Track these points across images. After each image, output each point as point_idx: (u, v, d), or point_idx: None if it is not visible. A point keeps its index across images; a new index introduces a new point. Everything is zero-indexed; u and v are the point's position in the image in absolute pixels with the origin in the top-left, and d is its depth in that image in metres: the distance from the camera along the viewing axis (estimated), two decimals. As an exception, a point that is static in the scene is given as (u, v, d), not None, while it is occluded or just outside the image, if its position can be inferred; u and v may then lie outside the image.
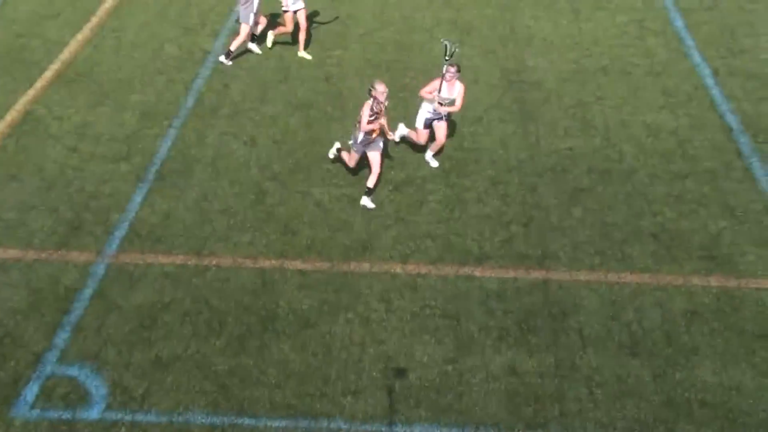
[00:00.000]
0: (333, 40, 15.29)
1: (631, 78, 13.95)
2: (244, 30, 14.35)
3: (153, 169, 11.91)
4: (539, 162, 12.09)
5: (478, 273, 10.11)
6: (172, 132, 12.74)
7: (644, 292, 9.76)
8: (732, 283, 9.83)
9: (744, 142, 12.30)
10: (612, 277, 9.99)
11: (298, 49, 14.77)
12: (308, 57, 14.69)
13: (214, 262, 10.26)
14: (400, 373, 8.84)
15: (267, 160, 12.18)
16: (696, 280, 9.91)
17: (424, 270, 10.18)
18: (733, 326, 9.26)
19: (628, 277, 9.96)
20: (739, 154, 12.06)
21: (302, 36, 14.58)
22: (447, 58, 11.42)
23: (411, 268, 10.22)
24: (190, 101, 13.48)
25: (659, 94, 13.48)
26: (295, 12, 14.29)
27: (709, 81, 13.77)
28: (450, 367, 8.89)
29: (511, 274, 10.09)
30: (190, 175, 11.82)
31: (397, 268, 10.20)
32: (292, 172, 11.94)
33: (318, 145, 12.51)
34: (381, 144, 11.23)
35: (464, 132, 12.79)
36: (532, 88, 13.79)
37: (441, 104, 11.57)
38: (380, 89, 10.87)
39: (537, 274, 10.06)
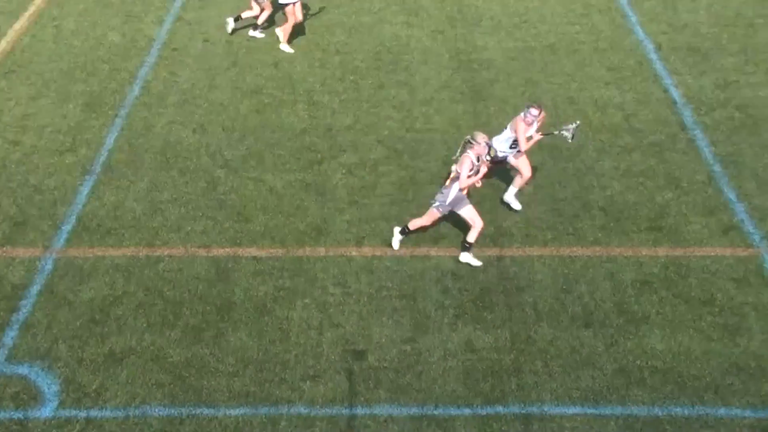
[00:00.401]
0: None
1: (578, 55, 14.12)
2: (265, 6, 14.22)
3: (100, 161, 11.71)
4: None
5: (433, 253, 10.18)
6: (119, 122, 12.53)
7: (595, 264, 9.94)
8: (678, 252, 10.07)
9: (687, 114, 12.57)
10: (564, 251, 10.15)
11: (248, 31, 14.57)
12: (291, 50, 14.31)
13: (166, 253, 10.14)
14: (359, 355, 8.88)
15: (217, 147, 12.06)
16: (644, 251, 10.11)
17: (379, 252, 10.21)
18: (680, 294, 9.49)
19: (580, 251, 10.13)
20: (683, 126, 12.32)
21: (289, 27, 14.23)
22: (565, 133, 10.57)
23: (366, 250, 10.24)
24: (136, 90, 13.25)
25: (605, 70, 13.67)
26: (293, 4, 13.92)
27: (653, 56, 14.01)
28: (408, 347, 8.95)
29: (465, 252, 10.17)
30: (139, 165, 11.64)
31: (353, 252, 10.21)
32: (243, 158, 11.84)
33: (269, 131, 12.42)
34: (467, 198, 10.01)
35: (416, 113, 12.82)
36: (482, 68, 13.87)
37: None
38: (482, 142, 9.61)
39: (491, 252, 10.17)
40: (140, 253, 10.12)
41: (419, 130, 12.46)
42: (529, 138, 10.44)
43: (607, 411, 8.20)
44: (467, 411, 8.26)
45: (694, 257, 9.97)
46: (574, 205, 10.90)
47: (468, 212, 9.89)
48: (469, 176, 9.66)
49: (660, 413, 8.16)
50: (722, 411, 8.16)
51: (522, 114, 10.38)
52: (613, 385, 8.46)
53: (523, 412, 8.22)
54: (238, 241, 10.35)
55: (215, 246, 10.27)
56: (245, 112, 12.87)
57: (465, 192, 9.91)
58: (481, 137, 9.65)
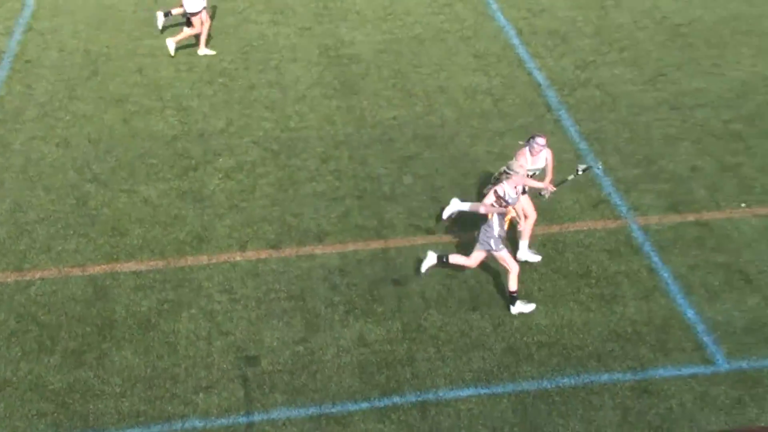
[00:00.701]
0: (141, 29, 14.65)
1: (444, 44, 14.40)
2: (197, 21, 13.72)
3: (-45, 184, 10.96)
4: (366, 134, 12.25)
5: (318, 251, 10.14)
6: (-27, 142, 11.75)
7: (477, 248, 10.18)
8: (554, 229, 10.46)
9: (551, 96, 13.07)
10: (446, 237, 10.33)
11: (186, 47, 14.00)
12: (212, 52, 14.01)
13: (37, 276, 9.61)
14: (252, 361, 8.73)
15: (84, 161, 11.53)
16: (523, 231, 10.44)
17: (264, 255, 10.07)
18: (559, 269, 9.86)
19: (462, 236, 10.34)
20: (549, 108, 12.80)
21: (204, 33, 13.88)
22: (578, 173, 9.80)
23: (251, 254, 10.08)
24: (-11, 107, 12.48)
25: (471, 58, 14.01)
26: (203, 10, 13.57)
27: (515, 41, 14.47)
28: (301, 348, 8.88)
29: (350, 247, 10.19)
30: (-1, 186, 10.98)
31: (237, 257, 10.03)
32: (113, 170, 11.38)
33: (138, 140, 11.99)
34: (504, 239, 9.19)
35: (289, 112, 12.72)
36: (351, 62, 13.91)
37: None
38: (520, 171, 8.80)
39: (376, 245, 10.23)
40: (8, 279, 9.54)
41: (294, 128, 12.37)
42: (533, 175, 9.61)
43: (499, 389, 8.43)
44: (365, 405, 8.29)
45: (569, 233, 10.39)
46: (453, 191, 11.11)
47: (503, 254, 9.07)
48: (494, 205, 8.76)
49: (549, 386, 8.46)
50: (605, 377, 8.55)
51: (526, 147, 9.51)
52: (503, 363, 8.71)
53: (420, 399, 8.33)
54: (115, 257, 9.94)
55: (90, 264, 9.83)
56: (111, 122, 12.36)
57: (507, 226, 8.99)
58: (518, 166, 8.84)
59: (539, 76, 13.50)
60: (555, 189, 9.78)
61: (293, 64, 13.85)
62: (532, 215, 9.77)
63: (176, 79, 13.39)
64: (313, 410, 8.25)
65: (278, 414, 8.20)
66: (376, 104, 12.88)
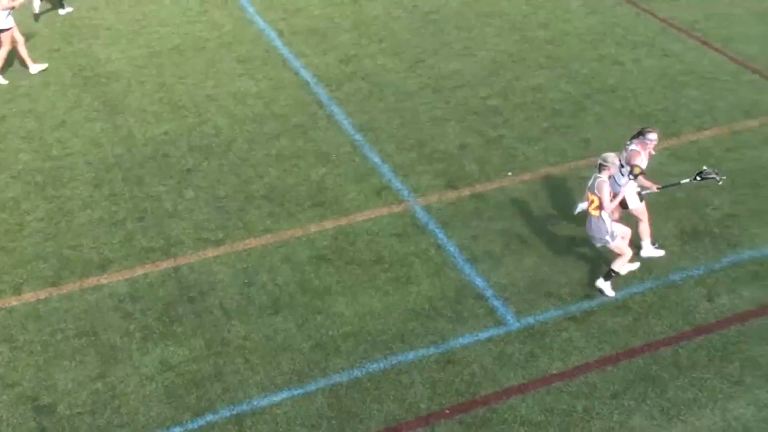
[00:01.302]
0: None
1: (206, 52, 14.15)
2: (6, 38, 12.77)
3: None
4: (138, 153, 11.74)
5: (104, 280, 9.58)
6: None
7: (270, 252, 10.13)
8: (343, 221, 10.66)
9: (321, 92, 13.29)
10: (238, 246, 10.18)
11: None
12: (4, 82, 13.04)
13: None
14: (46, 409, 8.08)
15: None
16: (313, 228, 10.54)
17: (43, 295, 9.34)
18: (353, 260, 10.07)
19: (253, 242, 10.24)
20: (320, 104, 13.01)
21: (3, 55, 12.97)
22: (696, 178, 9.70)
23: (28, 296, 9.31)
24: None
25: (236, 63, 13.88)
26: (10, 29, 12.79)
27: (278, 42, 14.54)
28: (99, 384, 8.35)
29: (139, 272, 9.74)
30: None
31: (12, 302, 9.22)
32: None
33: None
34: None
35: (49, 140, 11.88)
36: (111, 81, 13.26)
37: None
38: (616, 161, 9.03)
39: (165, 264, 9.85)
40: None
41: (57, 156, 11.57)
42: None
43: (312, 387, 8.46)
44: (178, 430, 7.98)
45: (357, 223, 10.64)
46: (237, 199, 10.97)
47: (616, 242, 9.21)
48: (611, 200, 9.06)
49: (359, 374, 8.62)
50: (411, 355, 8.87)
51: (634, 145, 9.44)
52: (312, 360, 8.75)
53: (234, 413, 8.15)
54: None
55: None
56: None
57: (617, 217, 9.23)
58: (613, 156, 9.05)
59: (306, 75, 13.68)
60: (659, 189, 9.76)
61: (46, 90, 12.95)
62: (645, 214, 9.76)
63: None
64: (123, 448, 7.81)
65: (85, 460, 7.67)
66: (144, 121, 12.39)
